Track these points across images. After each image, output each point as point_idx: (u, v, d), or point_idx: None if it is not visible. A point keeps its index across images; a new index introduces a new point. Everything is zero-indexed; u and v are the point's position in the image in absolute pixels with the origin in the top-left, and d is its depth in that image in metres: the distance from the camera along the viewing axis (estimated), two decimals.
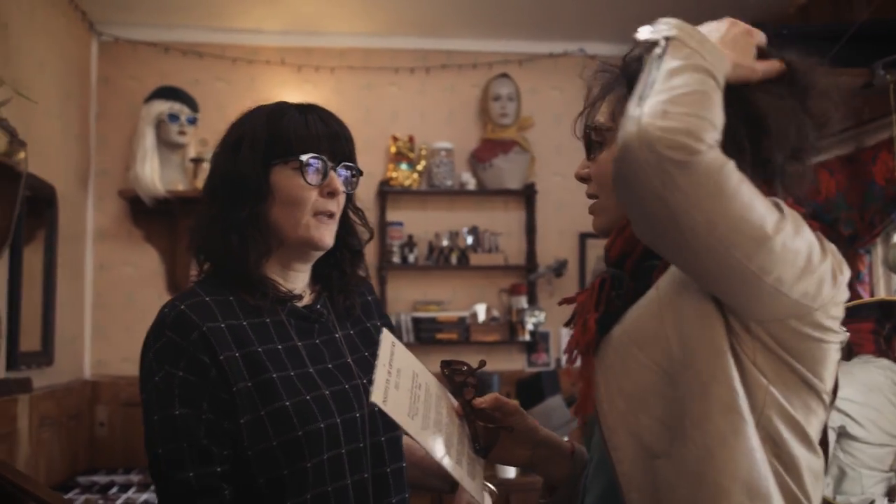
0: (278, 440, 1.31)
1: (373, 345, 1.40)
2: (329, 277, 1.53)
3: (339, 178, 1.47)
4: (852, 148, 3.53)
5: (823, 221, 3.69)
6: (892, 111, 2.66)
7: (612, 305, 1.18)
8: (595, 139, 1.22)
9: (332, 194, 1.45)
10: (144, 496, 3.24)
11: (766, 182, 1.08)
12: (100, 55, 4.30)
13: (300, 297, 1.47)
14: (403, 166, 4.38)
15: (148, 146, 4.01)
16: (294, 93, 4.39)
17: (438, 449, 1.22)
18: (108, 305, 4.22)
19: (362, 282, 1.60)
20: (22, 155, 2.91)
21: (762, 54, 1.10)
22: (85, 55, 4.15)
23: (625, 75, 1.18)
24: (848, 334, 1.06)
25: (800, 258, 0.97)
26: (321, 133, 1.46)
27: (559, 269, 4.48)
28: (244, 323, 1.37)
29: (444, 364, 1.35)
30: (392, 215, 4.40)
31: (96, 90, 4.28)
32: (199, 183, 4.07)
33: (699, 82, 0.98)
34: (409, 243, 4.38)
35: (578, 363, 1.20)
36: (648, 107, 0.95)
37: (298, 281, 1.49)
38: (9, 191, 2.86)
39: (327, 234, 1.44)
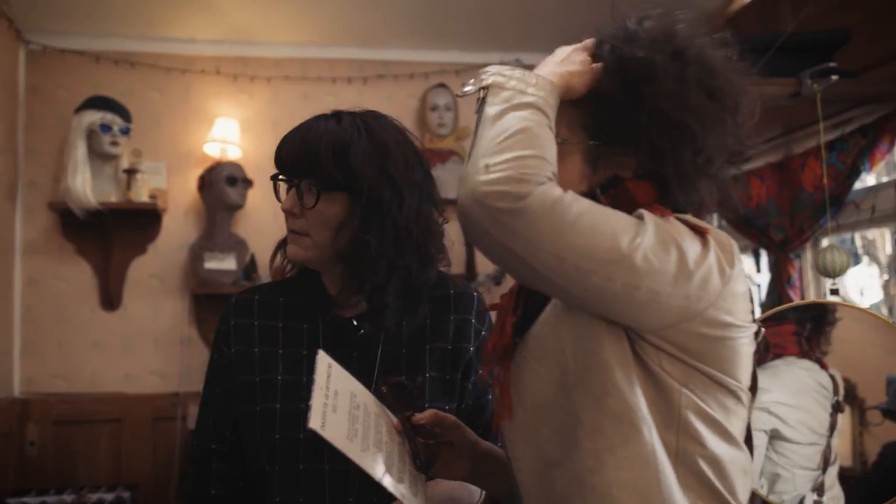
0: (260, 437, 1.44)
1: (418, 369, 1.46)
2: (383, 292, 1.48)
3: (291, 194, 1.47)
4: (781, 155, 3.62)
5: (755, 227, 3.78)
6: (819, 120, 2.74)
7: (530, 309, 1.19)
8: None
9: (286, 212, 1.47)
10: None
11: (685, 187, 1.12)
12: (28, 64, 4.19)
13: (344, 306, 1.50)
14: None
15: (79, 157, 3.91)
16: (230, 103, 4.34)
17: (378, 469, 1.21)
18: (38, 321, 4.10)
19: (438, 300, 1.57)
20: None
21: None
22: (12, 64, 4.04)
23: None
24: (762, 329, 1.08)
25: (669, 265, 0.98)
26: (280, 152, 1.48)
27: (498, 277, 4.50)
28: (279, 324, 1.51)
29: (382, 381, 1.33)
30: None
31: (24, 100, 4.16)
32: (133, 195, 4.00)
33: (521, 120, 1.02)
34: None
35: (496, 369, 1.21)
36: (472, 164, 1.00)
37: (332, 284, 1.52)
38: None
39: (294, 251, 1.47)
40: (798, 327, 2.36)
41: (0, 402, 3.70)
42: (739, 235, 3.99)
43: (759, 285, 4.07)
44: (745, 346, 1.07)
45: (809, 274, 3.57)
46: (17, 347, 4.05)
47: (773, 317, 2.32)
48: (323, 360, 1.27)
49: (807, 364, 2.37)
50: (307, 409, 1.16)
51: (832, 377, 2.32)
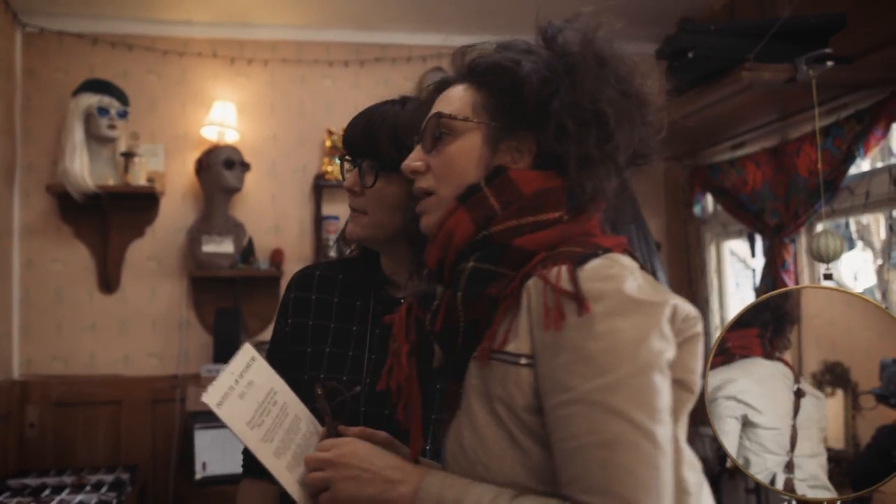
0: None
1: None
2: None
3: (353, 173, 1.56)
4: (777, 140, 3.64)
5: (750, 211, 3.80)
6: (815, 105, 2.75)
7: (424, 331, 1.19)
8: (443, 130, 1.20)
9: (348, 189, 1.56)
10: (79, 497, 3.18)
11: (584, 170, 1.13)
12: (24, 47, 4.18)
13: (396, 286, 1.60)
14: (338, 160, 4.36)
15: (77, 140, 3.91)
16: (227, 86, 4.34)
17: (275, 464, 1.22)
18: (36, 303, 4.12)
19: None
20: None
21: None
22: (8, 47, 4.03)
23: (470, 74, 1.23)
24: (700, 318, 1.08)
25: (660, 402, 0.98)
26: (346, 134, 1.59)
27: None
28: (335, 300, 1.61)
29: (319, 383, 1.34)
30: (327, 209, 4.38)
31: (21, 83, 4.16)
32: (131, 178, 4.00)
33: None
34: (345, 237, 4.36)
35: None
36: None
37: (388, 266, 1.62)
38: None
39: (352, 228, 1.57)
40: (761, 329, 2.44)
41: (0, 384, 3.72)
42: (734, 220, 4.02)
43: (753, 270, 4.09)
44: (697, 341, 1.09)
45: (804, 258, 3.59)
46: (16, 330, 4.06)
47: (736, 323, 2.40)
48: (247, 352, 1.29)
49: (770, 363, 2.47)
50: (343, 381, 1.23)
51: (791, 367, 2.42)
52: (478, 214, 1.13)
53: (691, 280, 4.50)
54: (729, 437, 2.37)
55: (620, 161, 1.14)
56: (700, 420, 4.10)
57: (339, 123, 4.38)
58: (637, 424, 0.94)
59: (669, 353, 1.00)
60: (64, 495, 3.23)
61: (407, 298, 1.26)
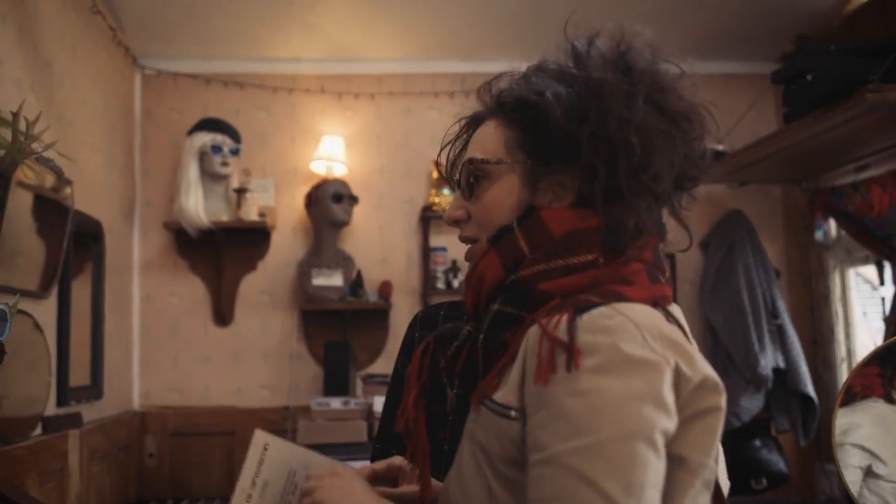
0: None
1: None
2: None
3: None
4: None
5: (877, 237, 3.59)
6: None
7: (437, 374, 1.13)
8: (479, 174, 1.12)
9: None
10: None
11: (614, 205, 1.03)
12: (143, 88, 4.35)
13: None
14: (445, 191, 4.35)
15: (192, 178, 4.03)
16: (335, 120, 4.40)
17: None
18: (153, 336, 4.24)
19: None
20: (68, 192, 2.94)
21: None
22: (128, 89, 4.20)
23: (500, 109, 1.14)
24: (723, 391, 0.96)
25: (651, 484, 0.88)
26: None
27: None
28: None
29: None
30: (435, 241, 4.38)
31: (140, 123, 4.32)
32: (243, 213, 4.09)
33: None
34: (453, 268, 4.34)
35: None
36: None
37: None
38: (57, 227, 2.89)
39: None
40: (882, 369, 2.28)
41: (120, 416, 3.83)
42: (860, 246, 3.81)
43: (882, 298, 3.86)
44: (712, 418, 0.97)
45: None
46: (136, 362, 4.19)
47: (863, 362, 2.25)
48: (257, 442, 1.22)
49: (891, 407, 2.30)
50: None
51: None
52: (507, 258, 1.05)
53: (813, 308, 4.29)
54: (852, 487, 2.22)
55: (661, 190, 1.03)
56: (826, 457, 3.90)
57: (445, 155, 4.37)
58: (608, 497, 0.83)
59: (665, 423, 0.88)
60: None
61: (427, 339, 1.19)
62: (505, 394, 0.97)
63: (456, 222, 1.16)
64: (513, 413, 0.95)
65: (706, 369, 0.94)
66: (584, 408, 0.87)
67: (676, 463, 0.91)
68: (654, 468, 0.86)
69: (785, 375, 3.98)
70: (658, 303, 1.00)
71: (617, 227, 1.02)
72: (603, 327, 0.90)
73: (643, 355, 0.89)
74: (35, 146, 2.33)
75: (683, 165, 1.05)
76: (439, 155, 1.25)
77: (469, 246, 1.16)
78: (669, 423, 0.89)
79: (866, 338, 3.99)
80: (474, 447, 1.01)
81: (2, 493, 1.76)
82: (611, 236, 1.02)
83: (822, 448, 4.11)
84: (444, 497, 1.08)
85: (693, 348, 0.96)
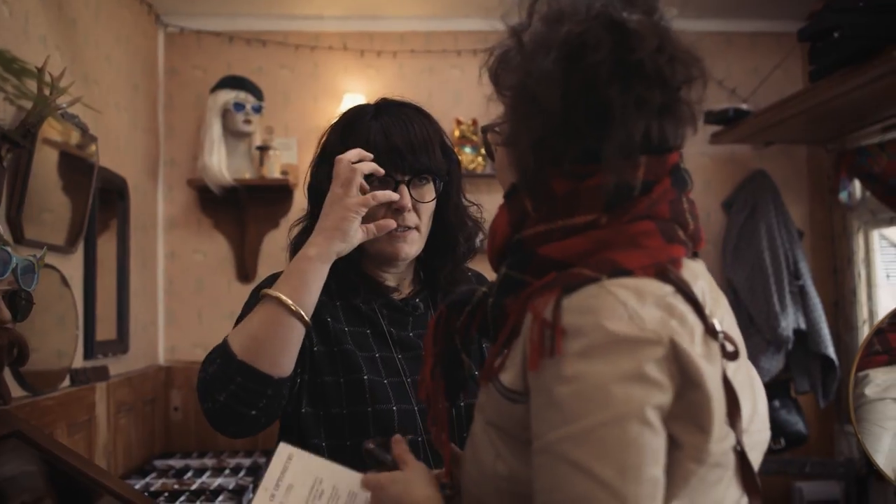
0: (347, 409, 1.46)
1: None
2: (436, 274, 1.59)
3: (407, 191, 1.50)
4: None
5: None
6: None
7: (452, 344, 1.14)
8: (495, 140, 1.14)
9: (398, 210, 1.49)
10: (218, 480, 3.30)
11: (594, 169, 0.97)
12: (166, 47, 4.35)
13: (395, 290, 1.57)
14: (468, 150, 4.35)
15: (215, 136, 4.05)
16: (357, 78, 4.39)
17: None
18: (178, 292, 4.30)
19: (468, 279, 1.62)
20: (93, 149, 2.98)
21: None
22: (152, 47, 4.21)
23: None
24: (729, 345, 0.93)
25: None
26: (382, 148, 1.50)
27: None
28: (336, 303, 1.54)
29: (367, 453, 1.21)
30: None
31: (163, 81, 4.34)
32: (266, 171, 4.11)
33: None
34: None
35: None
36: None
37: (394, 277, 1.58)
38: (83, 184, 2.93)
39: (405, 247, 1.51)
40: None
41: (146, 370, 3.90)
42: (885, 207, 3.78)
43: None
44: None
45: None
46: (162, 318, 4.25)
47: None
48: (282, 453, 1.22)
49: None
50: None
51: None
52: (514, 216, 1.03)
53: (836, 270, 4.26)
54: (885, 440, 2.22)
55: (627, 148, 0.95)
56: (845, 418, 3.91)
57: (468, 113, 4.37)
58: (604, 483, 0.82)
59: (658, 398, 0.85)
60: (205, 478, 3.35)
61: (439, 306, 1.20)
62: (511, 377, 0.95)
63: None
64: (519, 397, 0.94)
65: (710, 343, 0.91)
66: (572, 394, 0.85)
67: (674, 445, 0.89)
68: (651, 446, 0.85)
69: (806, 337, 3.97)
70: (667, 269, 0.93)
71: (620, 183, 0.96)
72: (588, 308, 0.88)
73: (629, 332, 0.86)
74: (60, 101, 2.36)
75: (658, 129, 0.97)
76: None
77: None
78: (663, 396, 0.86)
79: (889, 300, 3.97)
80: (484, 421, 1.02)
81: (34, 439, 1.81)
82: (615, 193, 0.96)
83: (841, 409, 4.11)
84: (463, 461, 1.10)
85: (697, 320, 0.91)
